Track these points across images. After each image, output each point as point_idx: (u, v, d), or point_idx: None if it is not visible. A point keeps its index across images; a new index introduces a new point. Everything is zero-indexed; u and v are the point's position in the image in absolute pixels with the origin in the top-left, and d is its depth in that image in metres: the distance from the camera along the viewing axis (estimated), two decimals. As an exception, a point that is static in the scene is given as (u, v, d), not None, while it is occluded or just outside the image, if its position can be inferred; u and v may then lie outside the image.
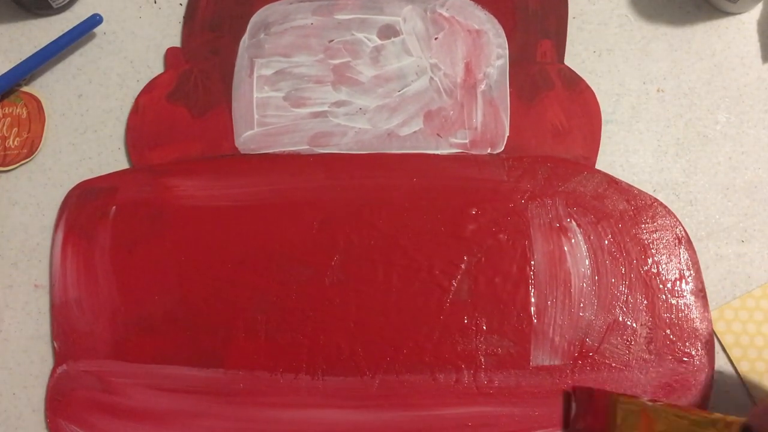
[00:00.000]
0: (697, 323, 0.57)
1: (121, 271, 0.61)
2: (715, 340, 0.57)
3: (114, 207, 0.63)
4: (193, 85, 0.66)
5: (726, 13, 0.67)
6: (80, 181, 0.64)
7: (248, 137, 0.64)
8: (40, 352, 0.61)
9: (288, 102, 0.65)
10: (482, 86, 0.64)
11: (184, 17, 0.69)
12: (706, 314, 0.58)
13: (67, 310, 0.60)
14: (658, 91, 0.65)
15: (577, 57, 0.66)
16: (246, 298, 0.60)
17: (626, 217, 0.60)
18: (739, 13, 0.67)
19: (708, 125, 0.64)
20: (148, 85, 0.67)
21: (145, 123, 0.65)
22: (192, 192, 0.63)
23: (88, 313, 0.60)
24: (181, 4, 0.70)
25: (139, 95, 0.66)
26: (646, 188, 0.61)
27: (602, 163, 0.63)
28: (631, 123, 0.64)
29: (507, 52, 0.65)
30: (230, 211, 0.62)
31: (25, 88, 0.67)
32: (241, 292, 0.60)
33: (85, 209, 0.63)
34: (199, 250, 0.61)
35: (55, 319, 0.61)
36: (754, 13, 0.67)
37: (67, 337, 0.60)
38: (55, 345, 0.60)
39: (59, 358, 0.60)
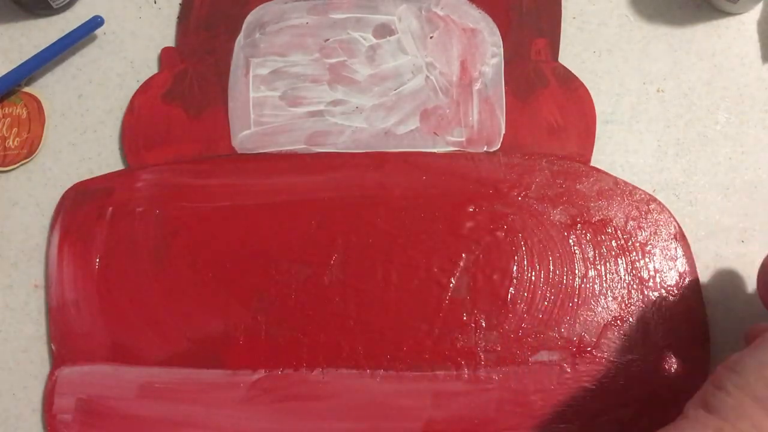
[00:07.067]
0: (693, 318, 0.58)
1: (119, 272, 0.61)
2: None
3: (111, 208, 0.63)
4: (188, 84, 0.66)
5: (726, 13, 0.67)
6: (79, 181, 0.64)
7: (245, 137, 0.64)
8: (39, 352, 0.61)
9: (284, 101, 0.65)
10: (478, 84, 0.64)
11: (178, 17, 0.70)
12: (702, 309, 0.58)
13: (65, 312, 0.60)
14: (658, 91, 0.65)
15: (577, 57, 0.66)
16: (245, 298, 0.60)
17: (622, 213, 0.60)
18: (739, 13, 0.66)
19: (708, 125, 0.63)
20: (143, 85, 0.67)
21: (141, 123, 0.65)
22: (189, 192, 0.63)
23: (86, 315, 0.60)
24: (181, 5, 0.70)
25: (134, 95, 0.66)
26: (646, 188, 0.61)
27: (602, 163, 0.62)
28: (631, 123, 0.64)
29: (502, 50, 0.65)
30: (228, 211, 0.62)
31: (25, 89, 0.68)
32: (240, 292, 0.60)
33: (81, 211, 0.63)
34: (197, 251, 0.61)
35: (52, 322, 0.61)
36: (754, 13, 0.66)
37: (65, 339, 0.60)
38: (53, 347, 0.60)
39: (57, 360, 0.60)
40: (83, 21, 0.68)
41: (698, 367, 0.56)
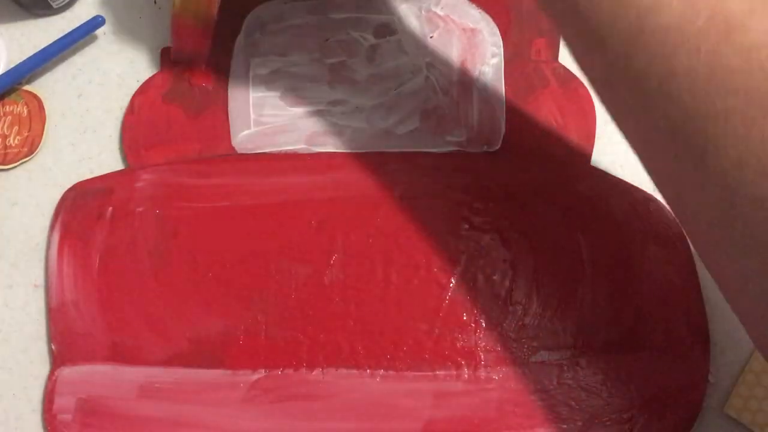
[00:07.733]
0: (693, 317, 0.58)
1: (119, 272, 0.61)
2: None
3: (110, 208, 0.62)
4: (188, 84, 0.66)
5: (727, 12, 0.66)
6: (79, 181, 0.64)
7: (245, 137, 0.64)
8: (39, 352, 0.61)
9: (284, 101, 0.65)
10: (478, 84, 0.64)
11: (179, 17, 0.69)
12: (702, 308, 0.58)
13: (64, 312, 0.60)
14: (658, 90, 0.64)
15: (577, 57, 0.66)
16: (245, 298, 0.60)
17: (623, 213, 0.60)
18: (740, 12, 0.66)
19: (708, 125, 0.63)
20: (143, 85, 0.66)
21: (141, 123, 0.65)
22: (189, 192, 0.63)
23: (86, 316, 0.60)
24: (181, 5, 0.70)
25: (134, 95, 0.66)
26: (646, 188, 0.61)
27: (602, 163, 0.62)
28: (631, 123, 0.64)
29: (502, 50, 0.65)
30: (228, 211, 0.62)
31: (25, 87, 0.68)
32: (240, 292, 0.60)
33: (81, 211, 0.63)
34: (197, 251, 0.61)
35: (52, 322, 0.60)
36: (755, 12, 0.66)
37: (65, 339, 0.60)
38: (53, 347, 0.60)
39: (57, 360, 0.59)
40: (83, 21, 0.68)
41: (698, 367, 0.56)
